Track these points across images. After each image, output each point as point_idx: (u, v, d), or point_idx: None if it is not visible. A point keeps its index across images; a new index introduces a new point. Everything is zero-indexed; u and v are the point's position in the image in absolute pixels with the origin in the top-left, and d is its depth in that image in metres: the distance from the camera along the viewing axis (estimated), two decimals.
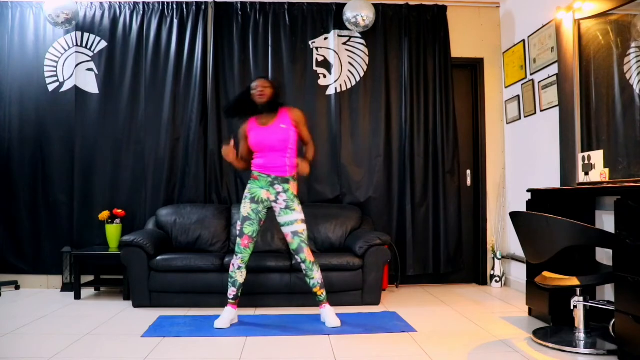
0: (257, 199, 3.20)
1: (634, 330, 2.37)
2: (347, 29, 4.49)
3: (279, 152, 3.18)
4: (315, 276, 3.21)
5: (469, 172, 4.79)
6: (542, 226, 2.65)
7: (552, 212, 2.69)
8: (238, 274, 3.20)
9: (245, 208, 3.21)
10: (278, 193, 3.17)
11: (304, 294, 3.65)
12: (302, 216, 3.21)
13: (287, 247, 4.15)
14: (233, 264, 3.21)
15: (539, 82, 4.03)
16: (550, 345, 2.74)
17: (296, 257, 3.21)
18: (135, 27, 4.51)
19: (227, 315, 3.18)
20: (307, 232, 3.24)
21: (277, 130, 3.18)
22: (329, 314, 3.20)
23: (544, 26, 3.93)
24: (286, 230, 3.19)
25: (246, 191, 3.25)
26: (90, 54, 4.50)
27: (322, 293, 3.25)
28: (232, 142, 3.23)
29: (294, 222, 3.16)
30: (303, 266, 3.20)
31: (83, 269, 4.09)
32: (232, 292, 3.21)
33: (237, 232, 3.21)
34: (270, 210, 3.28)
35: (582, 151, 3.36)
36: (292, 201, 3.18)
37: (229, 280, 3.22)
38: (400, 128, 4.56)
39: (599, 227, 3.16)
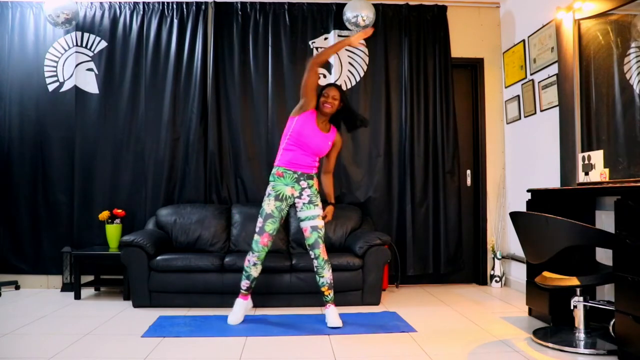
0: (282, 197, 3.19)
1: (634, 330, 2.37)
2: (347, 29, 4.48)
3: (313, 156, 3.21)
4: (326, 275, 3.21)
5: (469, 172, 4.79)
6: (542, 226, 2.65)
7: (552, 212, 2.69)
8: (253, 269, 3.20)
9: (270, 205, 3.17)
10: (303, 189, 3.19)
11: (304, 294, 3.66)
12: (323, 212, 3.24)
13: (288, 247, 4.17)
14: (249, 260, 3.19)
15: (539, 82, 4.03)
16: (550, 345, 2.74)
17: (310, 252, 3.21)
18: (135, 27, 4.51)
19: (240, 308, 3.22)
20: (325, 230, 3.26)
21: (324, 141, 3.20)
22: (332, 314, 3.19)
23: (544, 26, 3.93)
24: (306, 224, 3.19)
25: (270, 189, 3.22)
26: (90, 54, 4.50)
27: (329, 293, 3.23)
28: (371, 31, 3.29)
29: (315, 217, 3.18)
30: (315, 262, 3.20)
31: (83, 269, 4.08)
32: (245, 284, 3.23)
33: (257, 229, 3.18)
34: (290, 208, 3.29)
35: (582, 151, 3.36)
36: (316, 197, 3.22)
37: (244, 274, 3.22)
38: (400, 128, 4.56)
39: (599, 227, 3.16)
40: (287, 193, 3.19)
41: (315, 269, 3.23)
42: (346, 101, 3.26)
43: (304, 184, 3.19)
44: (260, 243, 3.16)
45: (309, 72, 3.11)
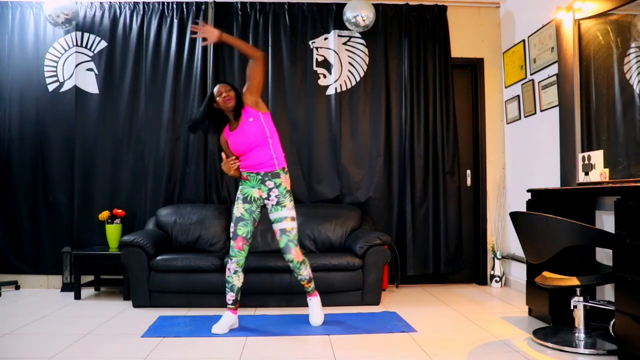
0: (250, 199, 3.12)
1: (634, 330, 2.37)
2: (347, 29, 4.49)
3: (259, 147, 3.06)
4: (303, 273, 3.15)
5: (469, 172, 4.79)
6: (542, 226, 2.65)
7: (552, 212, 2.69)
8: (235, 278, 3.09)
9: (238, 209, 3.11)
10: (270, 189, 3.08)
11: (304, 293, 3.64)
12: (292, 213, 3.09)
13: None
14: (229, 269, 3.10)
15: (539, 82, 4.03)
16: (550, 345, 2.74)
17: (283, 256, 3.12)
18: (135, 27, 4.51)
19: (226, 320, 3.09)
20: (297, 231, 3.13)
21: (247, 127, 3.03)
22: (315, 307, 3.20)
23: (544, 26, 3.93)
24: (275, 227, 3.10)
25: (238, 192, 3.16)
26: (90, 54, 4.50)
27: (309, 286, 3.22)
28: (224, 155, 3.15)
29: (283, 219, 3.06)
30: (290, 265, 3.14)
31: (83, 269, 4.08)
32: (230, 297, 3.11)
33: (231, 234, 3.11)
34: (264, 210, 3.19)
35: (582, 151, 3.36)
36: (284, 197, 3.08)
37: (226, 285, 3.12)
38: (400, 128, 4.56)
39: (599, 227, 3.16)
40: (255, 195, 3.12)
41: (292, 270, 3.19)
42: (236, 86, 3.12)
43: (270, 183, 3.08)
44: (236, 247, 3.08)
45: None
